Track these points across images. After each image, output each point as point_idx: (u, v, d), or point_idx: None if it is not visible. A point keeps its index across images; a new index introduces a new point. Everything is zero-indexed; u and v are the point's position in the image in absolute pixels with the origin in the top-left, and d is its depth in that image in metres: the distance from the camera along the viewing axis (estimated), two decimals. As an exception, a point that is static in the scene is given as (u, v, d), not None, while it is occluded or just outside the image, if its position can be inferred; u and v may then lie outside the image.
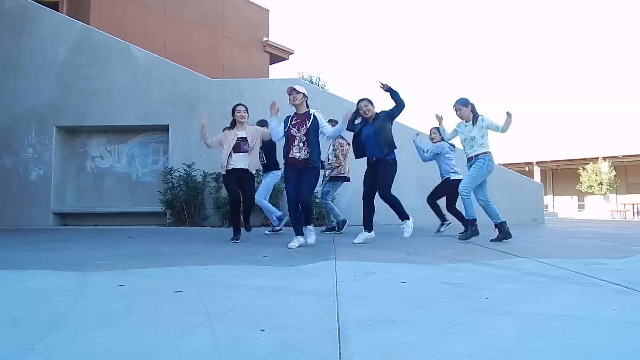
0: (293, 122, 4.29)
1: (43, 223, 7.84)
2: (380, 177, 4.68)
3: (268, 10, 15.63)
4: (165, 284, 2.41)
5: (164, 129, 8.15)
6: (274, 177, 5.90)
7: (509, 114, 4.61)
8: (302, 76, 20.73)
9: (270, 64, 15.77)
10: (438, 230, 5.82)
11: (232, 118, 4.86)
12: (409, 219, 4.78)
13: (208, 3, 13.47)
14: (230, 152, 4.70)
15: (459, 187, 4.74)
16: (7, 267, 2.99)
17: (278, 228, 5.86)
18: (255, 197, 5.58)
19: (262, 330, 1.51)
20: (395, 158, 4.77)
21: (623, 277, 2.46)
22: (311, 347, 1.36)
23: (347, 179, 5.91)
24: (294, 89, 4.25)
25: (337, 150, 5.77)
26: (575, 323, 1.60)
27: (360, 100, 4.89)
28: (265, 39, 15.22)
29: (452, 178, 5.52)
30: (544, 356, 1.29)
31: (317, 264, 3.02)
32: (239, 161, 4.72)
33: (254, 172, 4.85)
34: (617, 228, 7.77)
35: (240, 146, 4.72)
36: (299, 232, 4.20)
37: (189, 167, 7.52)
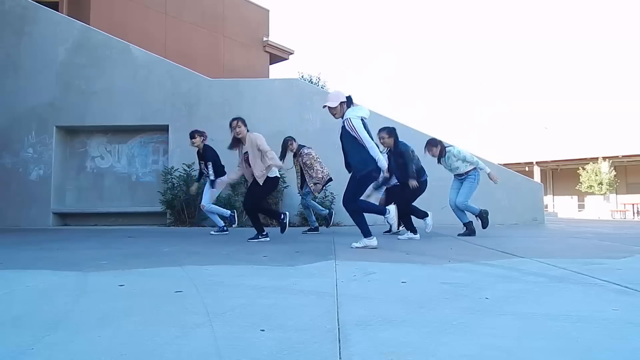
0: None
1: (43, 223, 7.84)
2: (409, 193, 5.07)
3: (268, 10, 15.64)
4: (165, 284, 2.41)
5: (164, 129, 8.16)
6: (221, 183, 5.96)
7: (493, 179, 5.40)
8: (302, 76, 20.72)
9: (270, 64, 15.78)
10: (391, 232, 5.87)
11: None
12: (415, 233, 4.97)
13: (208, 3, 13.48)
14: (244, 165, 4.87)
15: (460, 202, 5.35)
16: (7, 267, 2.99)
17: (224, 229, 5.95)
18: (204, 202, 5.87)
19: (262, 330, 1.51)
20: (426, 179, 5.19)
21: (623, 277, 2.46)
22: (311, 347, 1.36)
23: (330, 180, 5.92)
24: (329, 107, 4.05)
25: (309, 162, 5.74)
26: (575, 323, 1.60)
27: (379, 130, 5.09)
28: (265, 39, 15.23)
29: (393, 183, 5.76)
30: (544, 356, 1.29)
31: (317, 264, 3.02)
32: (249, 175, 4.82)
33: (261, 182, 4.74)
34: (617, 228, 7.77)
35: (248, 160, 4.81)
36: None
37: (189, 167, 7.52)
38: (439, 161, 5.48)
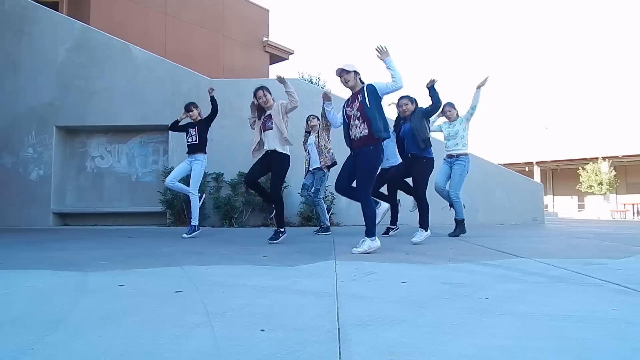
0: (348, 102, 3.89)
1: (43, 223, 7.84)
2: (416, 178, 4.78)
3: (268, 10, 15.64)
4: (165, 284, 2.41)
5: (164, 129, 8.12)
6: (204, 164, 5.56)
7: (479, 87, 5.19)
8: (302, 76, 20.73)
9: (270, 64, 15.78)
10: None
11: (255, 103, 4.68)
12: (427, 230, 4.53)
13: (208, 3, 13.48)
14: (261, 130, 4.63)
15: (452, 193, 5.22)
16: (7, 267, 2.99)
17: (197, 228, 5.40)
18: (192, 189, 5.36)
19: (262, 330, 1.51)
20: (432, 157, 4.80)
21: (623, 277, 2.46)
22: (311, 347, 1.36)
23: (335, 164, 5.68)
24: (343, 70, 3.78)
25: (327, 143, 5.61)
26: (575, 323, 1.60)
27: (400, 98, 4.90)
28: (265, 39, 15.23)
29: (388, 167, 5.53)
30: (544, 356, 1.29)
31: (317, 264, 3.02)
32: (268, 141, 4.57)
33: (280, 149, 4.50)
34: (617, 228, 7.77)
35: (266, 124, 4.60)
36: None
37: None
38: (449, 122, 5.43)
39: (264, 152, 4.65)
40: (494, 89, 43.25)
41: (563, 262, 3.04)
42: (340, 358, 1.27)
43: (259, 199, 7.34)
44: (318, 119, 5.85)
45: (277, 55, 15.85)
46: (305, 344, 1.38)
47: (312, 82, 19.47)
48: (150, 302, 1.98)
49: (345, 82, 3.83)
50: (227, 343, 1.39)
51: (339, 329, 1.54)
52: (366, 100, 3.68)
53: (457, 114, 5.41)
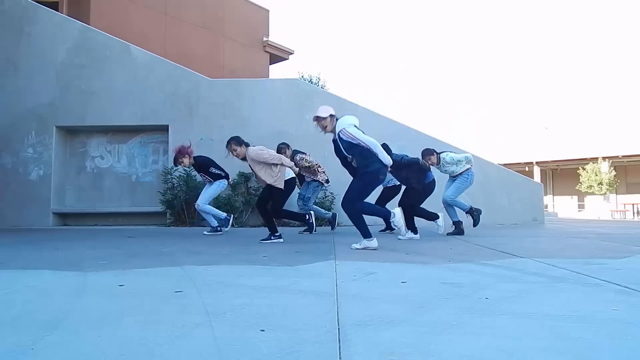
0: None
1: (43, 223, 7.84)
2: (412, 194, 5.15)
3: (268, 11, 15.63)
4: (165, 284, 2.41)
5: (164, 129, 8.16)
6: (221, 185, 5.97)
7: None
8: (302, 76, 20.75)
9: (270, 64, 15.77)
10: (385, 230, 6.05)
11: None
12: (416, 233, 4.98)
13: (208, 3, 13.47)
14: (256, 176, 4.97)
15: (447, 196, 5.51)
16: (7, 267, 3.00)
17: (218, 229, 5.91)
18: (199, 202, 5.81)
19: (262, 330, 1.51)
20: (433, 179, 5.22)
21: (623, 277, 2.46)
22: (311, 347, 1.36)
23: (325, 182, 6.05)
24: (319, 117, 3.97)
25: (308, 165, 5.83)
26: (575, 323, 1.60)
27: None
28: (265, 39, 15.22)
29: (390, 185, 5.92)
30: (544, 356, 1.29)
31: (317, 264, 3.02)
32: (266, 183, 4.87)
33: (280, 186, 4.69)
34: (617, 228, 7.77)
35: (256, 173, 4.88)
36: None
37: (188, 168, 7.51)
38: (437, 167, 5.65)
39: None
40: (495, 89, 43.19)
41: (563, 262, 3.04)
42: (340, 358, 1.27)
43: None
44: (288, 148, 5.92)
45: (277, 55, 15.85)
46: (305, 344, 1.38)
47: (312, 82, 19.47)
48: (150, 302, 1.98)
49: (323, 128, 4.01)
50: (227, 343, 1.39)
51: (339, 329, 1.54)
52: (344, 153, 3.96)
53: (438, 157, 5.45)
